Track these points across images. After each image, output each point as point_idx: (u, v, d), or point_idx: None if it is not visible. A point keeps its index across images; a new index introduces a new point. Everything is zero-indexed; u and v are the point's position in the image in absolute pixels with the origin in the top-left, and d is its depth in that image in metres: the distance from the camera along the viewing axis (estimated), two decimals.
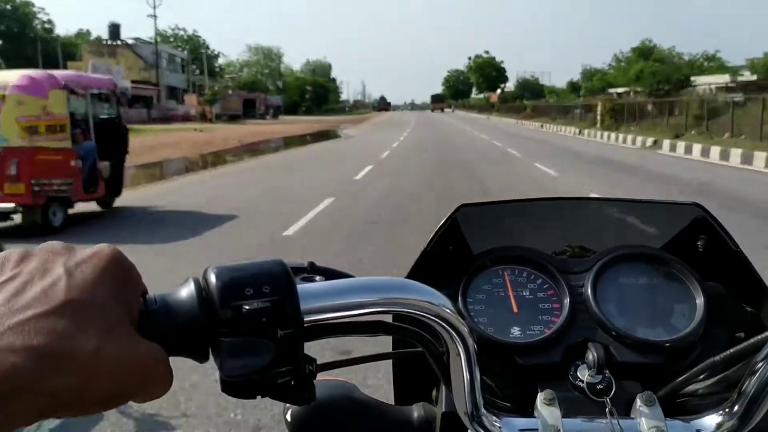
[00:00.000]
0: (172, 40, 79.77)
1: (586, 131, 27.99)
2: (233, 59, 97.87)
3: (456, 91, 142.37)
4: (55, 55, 53.19)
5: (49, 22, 65.36)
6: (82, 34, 74.78)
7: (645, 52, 79.42)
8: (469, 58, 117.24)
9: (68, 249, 0.36)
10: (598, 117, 28.41)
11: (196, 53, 79.35)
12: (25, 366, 0.29)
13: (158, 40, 75.05)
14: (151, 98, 50.14)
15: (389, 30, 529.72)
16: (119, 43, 55.86)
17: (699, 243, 0.73)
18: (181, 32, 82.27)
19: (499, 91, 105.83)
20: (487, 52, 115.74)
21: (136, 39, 56.26)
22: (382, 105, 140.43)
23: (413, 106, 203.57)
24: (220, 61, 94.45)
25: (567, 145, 21.27)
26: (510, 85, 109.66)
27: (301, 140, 27.28)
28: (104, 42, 56.39)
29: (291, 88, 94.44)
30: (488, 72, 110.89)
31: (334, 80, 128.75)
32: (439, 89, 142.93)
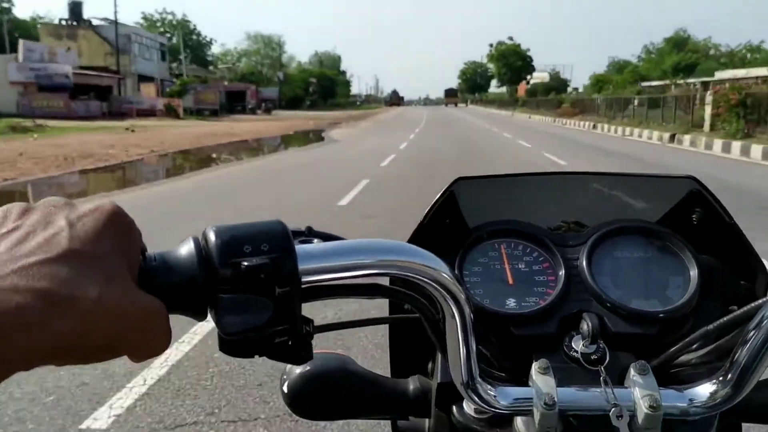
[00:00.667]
0: (159, 24, 71.77)
1: (687, 137, 17.54)
2: (231, 48, 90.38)
3: (473, 85, 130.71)
4: (14, 39, 45.28)
5: (8, 1, 57.55)
6: (41, 17, 67.08)
7: (679, 43, 71.94)
8: (491, 45, 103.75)
9: (69, 203, 0.37)
10: (706, 115, 18.13)
11: (187, 40, 71.41)
12: (28, 305, 0.30)
13: (143, 24, 66.94)
14: (110, 88, 41.86)
15: (404, 23, 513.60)
16: (81, 23, 47.65)
17: (694, 216, 0.73)
18: (169, 16, 74.25)
19: (524, 83, 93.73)
20: (511, 39, 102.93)
21: (104, 19, 47.98)
22: (394, 99, 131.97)
23: (427, 101, 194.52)
24: (216, 49, 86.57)
25: (716, 175, 9.92)
26: (536, 77, 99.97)
27: (251, 151, 18.62)
28: (65, 23, 48.23)
29: (294, 81, 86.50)
30: (512, 61, 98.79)
31: (343, 73, 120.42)
32: (454, 83, 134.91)
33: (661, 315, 0.64)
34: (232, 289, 0.37)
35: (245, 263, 0.37)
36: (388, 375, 0.72)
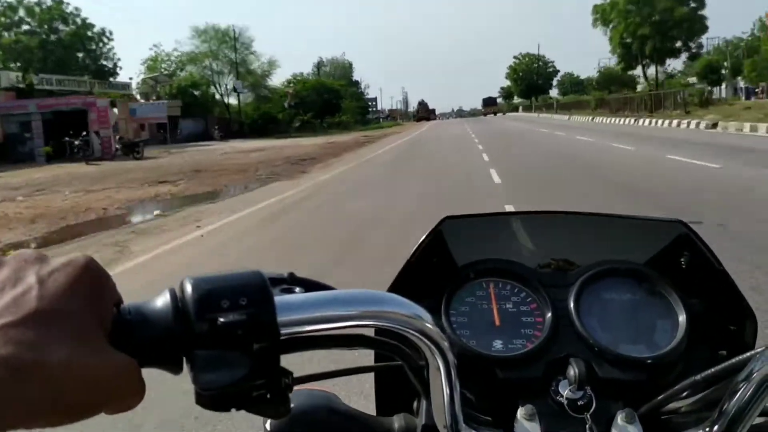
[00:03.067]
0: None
1: None
2: (170, 50, 64.12)
3: (529, 86, 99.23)
4: None
5: None
6: None
7: None
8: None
9: (41, 258, 0.36)
10: None
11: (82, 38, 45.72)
12: None
13: None
14: None
15: (431, 32, 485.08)
16: None
17: (682, 260, 0.73)
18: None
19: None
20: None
21: None
22: (422, 113, 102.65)
23: (460, 113, 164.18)
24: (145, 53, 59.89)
25: None
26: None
27: None
28: None
29: (278, 94, 60.68)
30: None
31: (356, 83, 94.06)
32: (495, 91, 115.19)
33: (649, 361, 0.63)
34: (208, 344, 0.36)
35: (222, 319, 0.36)
36: (374, 412, 0.71)
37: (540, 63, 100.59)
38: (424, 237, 0.74)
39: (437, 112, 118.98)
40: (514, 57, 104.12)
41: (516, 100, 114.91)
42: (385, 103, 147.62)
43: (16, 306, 0.32)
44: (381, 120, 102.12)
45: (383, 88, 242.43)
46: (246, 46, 59.71)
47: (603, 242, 0.78)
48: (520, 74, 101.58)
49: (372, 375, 0.76)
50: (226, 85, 56.69)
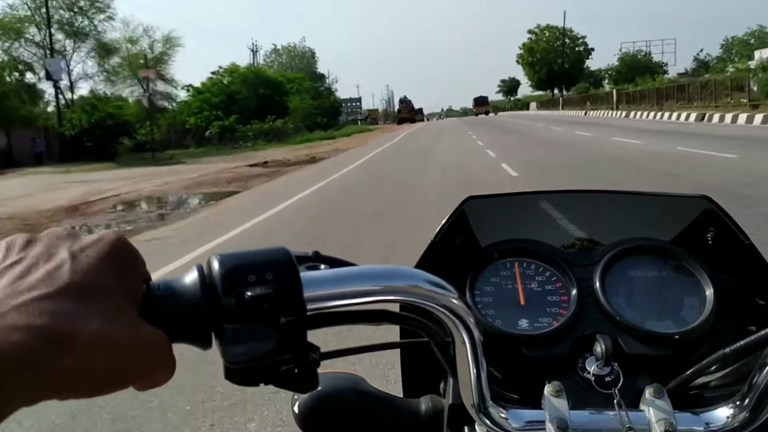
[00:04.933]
0: None
1: None
2: None
3: (551, 72, 74.34)
4: None
5: None
6: None
7: None
8: None
9: (73, 235, 0.37)
10: None
11: None
12: (28, 344, 0.29)
13: None
14: None
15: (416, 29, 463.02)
16: None
17: (708, 236, 0.72)
18: None
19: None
20: None
21: None
22: (405, 112, 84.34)
23: (450, 113, 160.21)
24: None
25: None
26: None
27: None
28: None
29: (193, 97, 41.30)
30: None
31: (320, 76, 74.22)
32: (484, 90, 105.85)
33: (676, 336, 0.63)
34: (236, 318, 0.37)
35: (249, 293, 0.36)
36: (400, 394, 0.72)
37: (566, 39, 73.62)
38: (447, 217, 0.73)
39: (423, 112, 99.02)
40: (529, 32, 78.04)
41: (527, 91, 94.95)
42: (376, 104, 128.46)
43: (50, 279, 0.33)
44: (359, 122, 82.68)
45: (370, 89, 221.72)
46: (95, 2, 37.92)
47: (628, 220, 0.77)
48: (538, 56, 76.01)
49: (395, 362, 0.75)
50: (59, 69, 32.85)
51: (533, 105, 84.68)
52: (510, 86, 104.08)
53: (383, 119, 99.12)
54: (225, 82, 46.24)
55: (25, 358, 0.29)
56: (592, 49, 76.21)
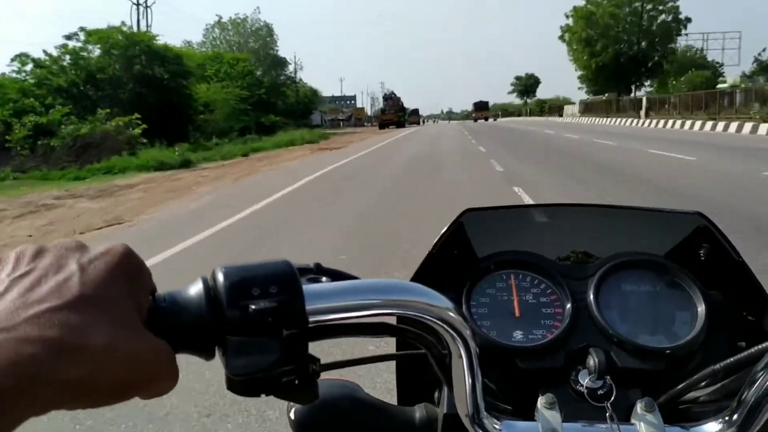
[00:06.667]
0: None
1: None
2: None
3: (619, 61, 48.12)
4: None
5: None
6: None
7: None
8: None
9: (81, 246, 0.37)
10: None
11: None
12: (40, 356, 0.30)
13: None
14: None
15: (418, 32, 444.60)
16: None
17: (701, 252, 0.74)
18: None
19: None
20: None
21: None
22: (390, 113, 62.96)
23: (451, 115, 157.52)
24: None
25: None
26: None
27: None
28: None
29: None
30: None
31: (283, 62, 55.47)
32: (483, 96, 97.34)
33: (668, 351, 0.64)
34: (240, 331, 0.37)
35: (253, 306, 0.37)
36: (395, 402, 0.73)
37: (650, 4, 47.37)
38: (445, 229, 0.75)
39: (420, 114, 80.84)
40: (568, 13, 53.04)
41: (570, 87, 70.12)
42: (376, 104, 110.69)
43: (60, 291, 0.33)
44: (341, 123, 64.30)
45: (370, 89, 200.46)
46: None
47: (622, 234, 0.79)
48: (598, 31, 48.62)
49: (391, 370, 0.76)
50: None
51: (571, 108, 60.80)
52: (526, 85, 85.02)
53: (375, 120, 78.99)
54: (83, 53, 27.03)
55: (37, 370, 0.30)
56: (688, 20, 48.09)
